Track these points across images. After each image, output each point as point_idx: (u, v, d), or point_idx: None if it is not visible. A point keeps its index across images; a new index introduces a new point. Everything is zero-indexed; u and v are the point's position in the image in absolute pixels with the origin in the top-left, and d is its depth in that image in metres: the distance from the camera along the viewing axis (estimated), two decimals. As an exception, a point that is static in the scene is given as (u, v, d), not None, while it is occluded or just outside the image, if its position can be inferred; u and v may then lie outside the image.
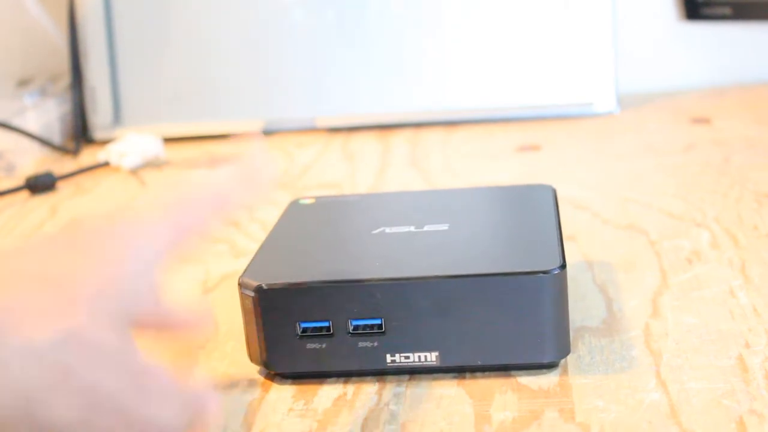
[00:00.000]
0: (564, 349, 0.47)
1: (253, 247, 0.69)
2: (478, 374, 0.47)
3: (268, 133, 1.02)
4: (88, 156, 0.99)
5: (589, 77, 1.00)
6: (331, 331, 0.47)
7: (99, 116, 1.04)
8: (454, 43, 1.01)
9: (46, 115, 1.01)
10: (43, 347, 0.31)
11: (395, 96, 1.02)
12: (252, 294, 0.47)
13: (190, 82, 1.04)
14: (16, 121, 0.95)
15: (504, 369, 0.47)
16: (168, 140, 1.00)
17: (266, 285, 0.47)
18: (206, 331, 0.38)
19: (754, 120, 0.94)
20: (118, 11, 1.04)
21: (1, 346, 0.31)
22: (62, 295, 0.33)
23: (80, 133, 1.04)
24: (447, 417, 0.44)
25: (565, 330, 0.47)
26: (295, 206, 0.59)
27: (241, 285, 0.48)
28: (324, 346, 0.47)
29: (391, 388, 0.47)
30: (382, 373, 0.48)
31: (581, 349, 0.49)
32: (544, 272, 0.46)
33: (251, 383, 0.49)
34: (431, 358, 0.47)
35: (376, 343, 0.47)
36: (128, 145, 0.94)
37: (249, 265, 0.50)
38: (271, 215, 0.73)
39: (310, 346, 0.47)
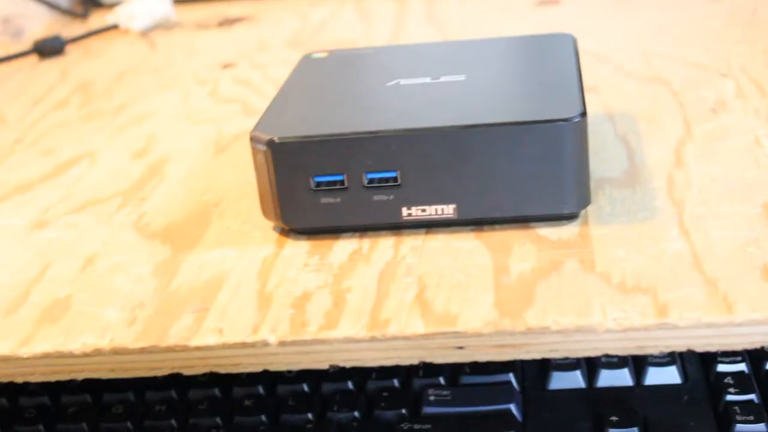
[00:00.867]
0: (584, 200, 0.46)
1: (266, 107, 0.67)
2: (497, 227, 0.46)
3: (280, -8, 1.00)
4: (97, 19, 0.97)
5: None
6: (346, 185, 0.46)
7: (107, -22, 1.01)
8: None
9: (52, -23, 0.99)
10: None
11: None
12: (264, 148, 0.46)
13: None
14: (21, -16, 0.92)
15: (523, 221, 0.46)
16: (177, 1, 0.98)
17: (278, 138, 0.46)
18: None
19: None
20: None
21: None
22: None
23: (88, -5, 1.01)
24: (465, 269, 0.43)
25: (585, 180, 0.46)
26: (307, 60, 0.57)
27: (252, 139, 0.47)
28: (339, 200, 0.46)
29: (408, 242, 0.46)
30: (398, 227, 0.47)
31: (602, 200, 0.48)
32: (565, 120, 0.44)
33: (266, 239, 0.48)
34: (448, 210, 0.46)
35: (392, 197, 0.46)
36: (137, 7, 0.92)
37: (260, 120, 0.48)
38: (284, 73, 0.71)
39: (325, 200, 0.46)
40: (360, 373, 0.45)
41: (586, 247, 0.44)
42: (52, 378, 0.42)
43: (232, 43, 0.86)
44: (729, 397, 0.42)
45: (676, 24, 0.77)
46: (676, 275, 0.41)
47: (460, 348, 0.40)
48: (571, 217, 0.46)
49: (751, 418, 0.41)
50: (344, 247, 0.46)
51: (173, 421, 0.45)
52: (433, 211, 0.46)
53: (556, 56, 0.53)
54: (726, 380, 0.43)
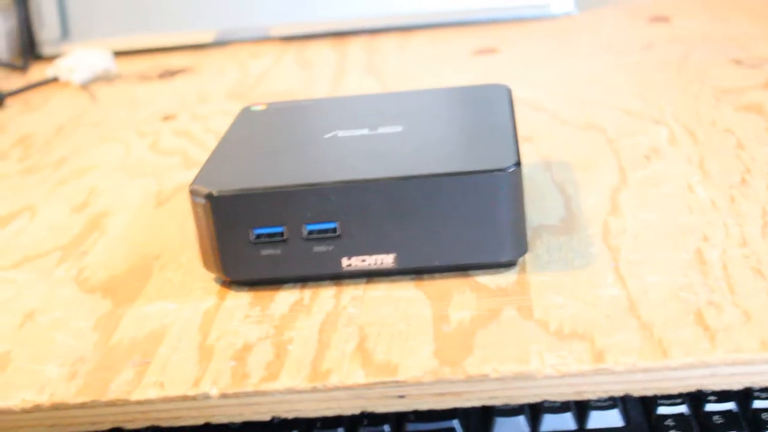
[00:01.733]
0: (521, 248, 0.47)
1: (206, 159, 0.68)
2: (436, 276, 0.47)
3: (220, 43, 1.00)
4: (37, 72, 0.97)
5: (546, -22, 0.98)
6: (286, 237, 0.46)
7: (46, 31, 1.01)
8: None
9: (-9, 30, 0.99)
10: None
11: (350, 2, 1.00)
12: (203, 201, 0.46)
13: (139, -6, 1.01)
14: (-41, 38, 0.92)
15: (462, 269, 0.47)
16: (118, 54, 0.98)
17: (217, 192, 0.46)
18: None
19: (712, 17, 0.93)
20: None
21: None
22: None
23: (28, 48, 1.01)
24: (405, 318, 0.44)
25: (522, 228, 0.46)
26: (246, 113, 0.58)
27: (192, 193, 0.47)
28: (279, 251, 0.46)
29: (348, 292, 0.46)
30: (339, 277, 0.47)
31: (539, 247, 0.49)
32: (500, 170, 0.45)
33: (207, 292, 0.48)
34: (388, 260, 0.46)
35: (331, 247, 0.46)
36: (77, 60, 0.92)
37: (199, 173, 0.49)
38: (224, 125, 0.72)
39: (265, 252, 0.46)
40: (305, 424, 0.45)
41: (524, 295, 0.44)
42: (-9, 436, 0.42)
43: (172, 94, 0.86)
44: (670, 439, 0.43)
45: (609, 71, 0.78)
46: (612, 321, 0.42)
47: (401, 397, 0.40)
48: (509, 264, 0.47)
49: (691, 459, 0.42)
50: (285, 298, 0.47)
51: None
52: (373, 261, 0.46)
53: (491, 106, 0.54)
54: (667, 422, 0.44)
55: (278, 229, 0.46)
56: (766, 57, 0.78)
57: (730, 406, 0.44)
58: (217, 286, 0.48)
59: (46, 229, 0.58)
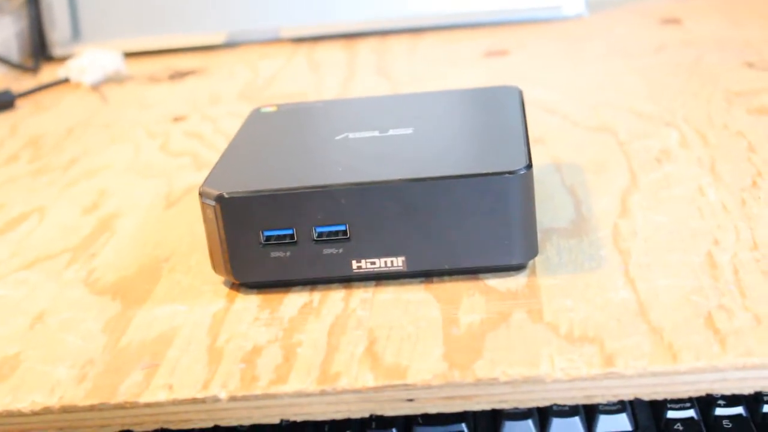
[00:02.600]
0: (531, 251, 0.46)
1: (216, 159, 0.68)
2: (446, 278, 0.47)
3: (231, 45, 1.01)
4: (48, 73, 0.97)
5: (557, -20, 0.98)
6: (295, 239, 0.46)
7: (57, 32, 1.02)
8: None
9: (2, 32, 0.99)
10: None
11: (360, 4, 1.00)
12: (213, 203, 0.46)
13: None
14: (-29, 39, 0.92)
15: (471, 272, 0.47)
16: (129, 55, 0.98)
17: (227, 194, 0.46)
18: None
19: (724, 20, 0.92)
20: None
21: None
22: None
23: (38, 49, 1.01)
24: (414, 321, 0.44)
25: (532, 231, 0.46)
26: (256, 115, 0.58)
27: (201, 195, 0.47)
28: (288, 254, 0.46)
29: (358, 295, 0.46)
30: (348, 279, 0.47)
31: (549, 250, 0.49)
32: (510, 173, 0.45)
33: (216, 294, 0.48)
34: (397, 263, 0.46)
35: (341, 250, 0.46)
36: (88, 61, 0.92)
37: (210, 175, 0.49)
38: (234, 126, 0.72)
39: (275, 254, 0.46)
40: (314, 427, 0.45)
41: (534, 298, 0.44)
42: (0, 438, 0.42)
43: (183, 96, 0.86)
44: (679, 444, 0.43)
45: (620, 73, 0.78)
46: (622, 324, 0.41)
47: (410, 400, 0.40)
48: (518, 267, 0.47)
49: (700, 464, 0.41)
50: (295, 300, 0.46)
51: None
52: (382, 263, 0.46)
53: (502, 109, 0.54)
54: (676, 426, 0.44)
55: (288, 231, 0.46)
56: (777, 59, 0.78)
57: (739, 410, 0.44)
58: (226, 289, 0.48)
59: (56, 231, 0.58)
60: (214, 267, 0.48)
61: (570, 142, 0.64)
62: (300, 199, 0.46)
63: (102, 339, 0.45)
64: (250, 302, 0.47)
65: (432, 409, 0.40)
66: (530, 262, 0.47)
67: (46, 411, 0.41)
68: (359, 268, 0.46)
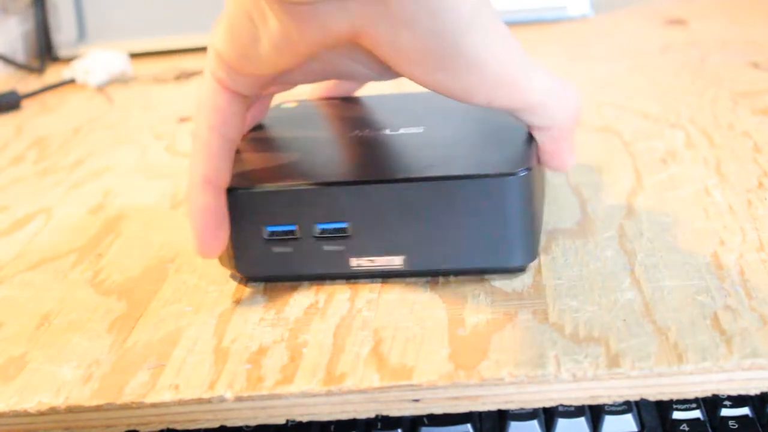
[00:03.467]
0: (531, 254, 0.46)
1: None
2: (451, 279, 0.47)
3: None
4: (53, 74, 0.97)
5: (562, -19, 0.98)
6: (298, 235, 0.46)
7: (63, 33, 1.02)
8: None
9: (8, 33, 0.99)
10: None
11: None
12: None
13: (156, -4, 1.02)
14: (-23, 40, 0.93)
15: (471, 273, 0.47)
16: (134, 56, 0.98)
17: (233, 187, 0.46)
18: None
19: (729, 20, 0.92)
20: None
21: None
22: None
23: (44, 50, 1.01)
24: (420, 322, 0.44)
25: (531, 234, 0.46)
26: (277, 111, 0.58)
27: None
28: (291, 249, 0.46)
29: (363, 295, 0.46)
30: (348, 277, 0.47)
31: (555, 251, 0.49)
32: (509, 174, 0.45)
33: (222, 294, 0.48)
34: (397, 261, 0.46)
35: (342, 247, 0.46)
36: (93, 62, 0.92)
37: None
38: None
39: (277, 249, 0.47)
40: (319, 427, 0.45)
41: (540, 298, 0.44)
42: (7, 438, 0.42)
43: (188, 96, 0.87)
44: (685, 445, 0.43)
45: (625, 74, 0.78)
46: (627, 325, 0.41)
47: (416, 401, 0.40)
48: (519, 270, 0.47)
49: (706, 465, 0.41)
50: (300, 301, 0.47)
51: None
52: (382, 262, 0.46)
53: None
54: (682, 427, 0.44)
55: (291, 228, 0.46)
56: (783, 60, 0.78)
57: (745, 411, 0.44)
58: (232, 289, 0.48)
59: (61, 231, 0.58)
60: (221, 260, 0.48)
61: (576, 142, 0.64)
62: (302, 197, 0.46)
63: (108, 339, 0.45)
64: (256, 303, 0.47)
65: (438, 410, 0.40)
66: (536, 263, 0.47)
67: (52, 411, 0.41)
68: (358, 265, 0.46)
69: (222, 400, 0.40)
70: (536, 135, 0.47)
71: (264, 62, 0.43)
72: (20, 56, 1.00)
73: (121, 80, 0.93)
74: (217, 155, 0.45)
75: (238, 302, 0.47)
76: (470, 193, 0.45)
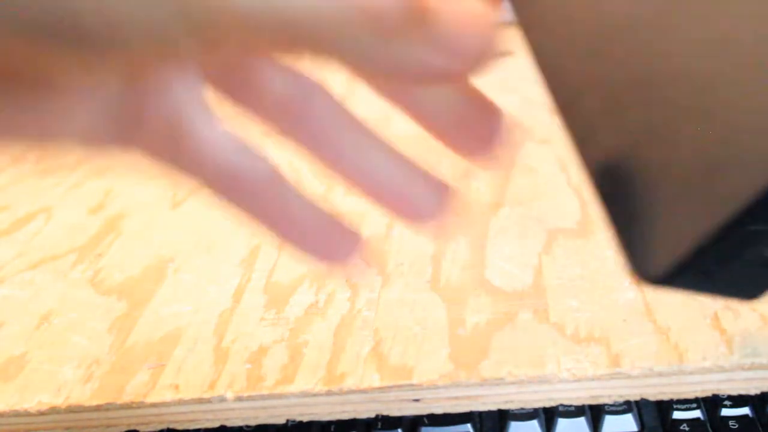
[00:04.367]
0: None
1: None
2: (452, 279, 0.47)
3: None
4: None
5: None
6: None
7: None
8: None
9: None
10: None
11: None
12: None
13: None
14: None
15: None
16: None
17: None
18: None
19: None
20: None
21: None
22: None
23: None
24: (420, 321, 0.44)
25: None
26: None
27: None
28: None
29: (363, 295, 0.46)
30: None
31: (555, 250, 0.49)
32: None
33: (222, 294, 0.48)
34: None
35: None
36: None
37: None
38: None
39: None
40: (320, 427, 0.45)
41: (540, 298, 0.44)
42: (7, 437, 0.42)
43: (189, 96, 0.86)
44: (684, 445, 0.43)
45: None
46: (628, 325, 0.41)
47: (416, 401, 0.40)
48: None
49: (706, 464, 0.41)
50: (300, 300, 0.47)
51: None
52: None
53: None
54: (682, 427, 0.44)
55: None
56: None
57: (745, 411, 0.44)
58: (232, 289, 0.48)
59: (62, 231, 0.58)
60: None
61: (576, 142, 0.64)
62: None
63: (108, 339, 0.45)
64: (256, 302, 0.47)
65: (438, 410, 0.40)
66: (536, 263, 0.47)
67: (53, 411, 0.41)
68: None
69: (222, 399, 0.40)
70: None
71: None
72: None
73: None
74: None
75: (238, 302, 0.47)
76: None
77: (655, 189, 0.26)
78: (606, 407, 0.44)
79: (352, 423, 0.44)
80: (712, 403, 0.44)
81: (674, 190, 0.26)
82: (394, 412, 0.40)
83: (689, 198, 0.25)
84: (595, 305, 0.43)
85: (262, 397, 0.40)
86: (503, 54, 0.34)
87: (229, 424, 0.41)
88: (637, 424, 0.44)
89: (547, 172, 0.58)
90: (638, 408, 0.45)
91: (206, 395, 0.40)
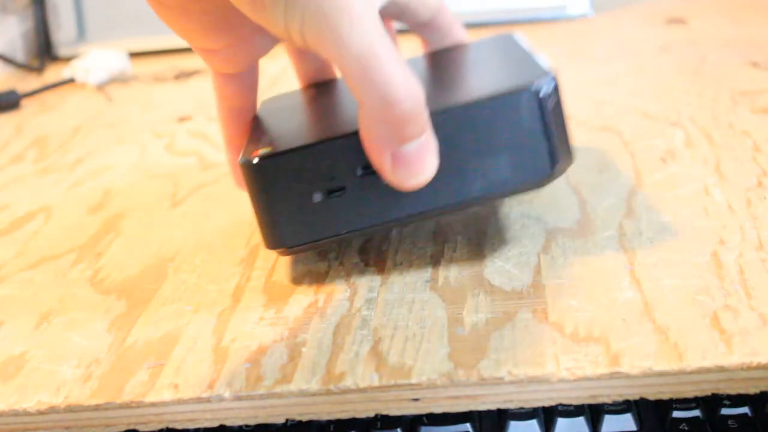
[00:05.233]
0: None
1: (222, 159, 0.68)
2: (451, 278, 0.47)
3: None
4: (53, 73, 0.97)
5: (562, -20, 0.98)
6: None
7: (62, 32, 1.02)
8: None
9: (7, 32, 0.99)
10: None
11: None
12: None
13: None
14: (-23, 39, 0.93)
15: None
16: (134, 55, 0.98)
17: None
18: None
19: (729, 20, 0.92)
20: (78, -77, 1.01)
21: None
22: None
23: (44, 50, 1.01)
24: (419, 321, 0.44)
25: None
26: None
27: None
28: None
29: (362, 294, 0.46)
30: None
31: (555, 250, 0.49)
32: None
33: (221, 294, 0.48)
34: None
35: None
36: (93, 61, 0.92)
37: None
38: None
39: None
40: (319, 426, 0.45)
41: (539, 298, 0.44)
42: (6, 437, 0.42)
43: (188, 96, 0.87)
44: (684, 444, 0.43)
45: (625, 73, 0.78)
46: (627, 324, 0.41)
47: (416, 400, 0.40)
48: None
49: (705, 464, 0.41)
50: (299, 300, 0.47)
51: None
52: None
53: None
54: (681, 426, 0.44)
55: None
56: (783, 59, 0.78)
57: (745, 410, 0.44)
58: (231, 288, 0.48)
59: (61, 230, 0.58)
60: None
61: (575, 141, 0.64)
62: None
63: (107, 338, 0.45)
64: (255, 302, 0.47)
65: (437, 409, 0.40)
66: (535, 262, 0.47)
67: (52, 410, 0.41)
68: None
69: (221, 399, 0.40)
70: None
71: (169, 25, 0.45)
72: (20, 55, 1.00)
73: (120, 79, 0.93)
74: (228, 124, 0.51)
75: (237, 301, 0.47)
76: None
77: None
78: (605, 407, 0.44)
79: (351, 422, 0.44)
80: (711, 403, 0.44)
81: None
82: (393, 411, 0.40)
83: None
84: (594, 304, 0.43)
85: (261, 397, 0.40)
86: None
87: (228, 423, 0.41)
88: (637, 424, 0.44)
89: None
90: (637, 407, 0.45)
91: (205, 395, 0.40)
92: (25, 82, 0.95)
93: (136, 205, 0.61)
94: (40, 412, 0.41)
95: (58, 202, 0.63)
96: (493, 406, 0.40)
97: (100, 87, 0.91)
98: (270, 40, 0.49)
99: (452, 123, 0.44)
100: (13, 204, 0.64)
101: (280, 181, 0.45)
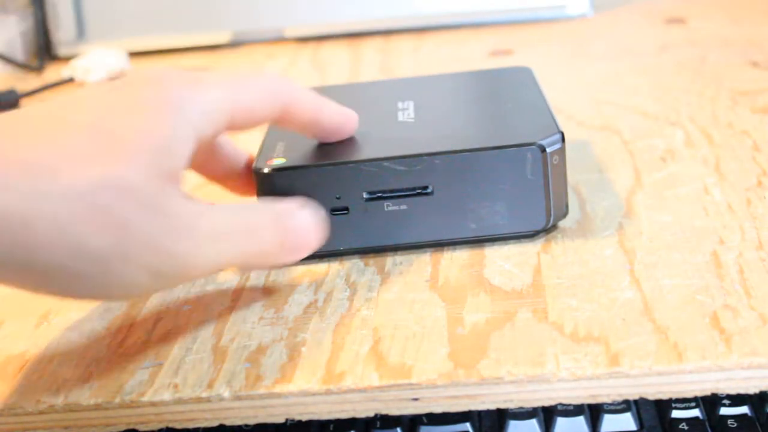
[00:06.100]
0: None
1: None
2: (451, 278, 0.47)
3: (235, 44, 1.01)
4: (53, 72, 0.97)
5: (562, -21, 0.98)
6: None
7: (62, 32, 1.02)
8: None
9: (7, 32, 0.99)
10: (83, 190, 0.35)
11: (365, 3, 1.00)
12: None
13: (155, -5, 1.02)
14: (-24, 38, 0.92)
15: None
16: (133, 54, 0.98)
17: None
18: None
19: (729, 19, 0.92)
20: None
21: (46, 194, 0.35)
22: (107, 144, 0.37)
23: (43, 49, 1.01)
24: (419, 321, 0.44)
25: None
26: None
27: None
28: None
29: (362, 294, 0.46)
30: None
31: (555, 249, 0.49)
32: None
33: (221, 293, 0.48)
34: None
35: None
36: (93, 61, 0.92)
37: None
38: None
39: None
40: (318, 426, 0.45)
41: (539, 297, 0.44)
42: (5, 437, 0.42)
43: (188, 95, 0.86)
44: (684, 443, 0.43)
45: (625, 73, 0.78)
46: (627, 324, 0.41)
47: (415, 400, 0.40)
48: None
49: (705, 463, 0.41)
50: (299, 300, 0.47)
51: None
52: None
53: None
54: (681, 426, 0.44)
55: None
56: (783, 58, 0.78)
57: (744, 410, 0.44)
58: (231, 288, 0.48)
59: (61, 230, 0.58)
60: None
61: (574, 141, 0.64)
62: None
63: (107, 338, 0.45)
64: (254, 301, 0.47)
65: (437, 409, 0.40)
66: (535, 262, 0.47)
67: (51, 410, 0.41)
68: None
69: (221, 398, 0.40)
70: None
71: None
72: (19, 55, 1.00)
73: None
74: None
75: (236, 301, 0.47)
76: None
77: None
78: (605, 406, 0.44)
79: (351, 422, 0.44)
80: (711, 402, 0.44)
81: None
82: (393, 411, 0.40)
83: None
84: (594, 304, 0.43)
85: (261, 396, 0.40)
86: None
87: (227, 423, 0.41)
88: (636, 423, 0.44)
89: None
90: (637, 407, 0.45)
91: (205, 394, 0.40)
92: (24, 82, 0.94)
93: (135, 205, 0.61)
94: (40, 412, 0.41)
95: (57, 201, 0.63)
96: (492, 406, 0.40)
97: (100, 86, 0.91)
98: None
99: (459, 166, 0.47)
100: (13, 203, 0.64)
101: (288, 193, 0.47)
